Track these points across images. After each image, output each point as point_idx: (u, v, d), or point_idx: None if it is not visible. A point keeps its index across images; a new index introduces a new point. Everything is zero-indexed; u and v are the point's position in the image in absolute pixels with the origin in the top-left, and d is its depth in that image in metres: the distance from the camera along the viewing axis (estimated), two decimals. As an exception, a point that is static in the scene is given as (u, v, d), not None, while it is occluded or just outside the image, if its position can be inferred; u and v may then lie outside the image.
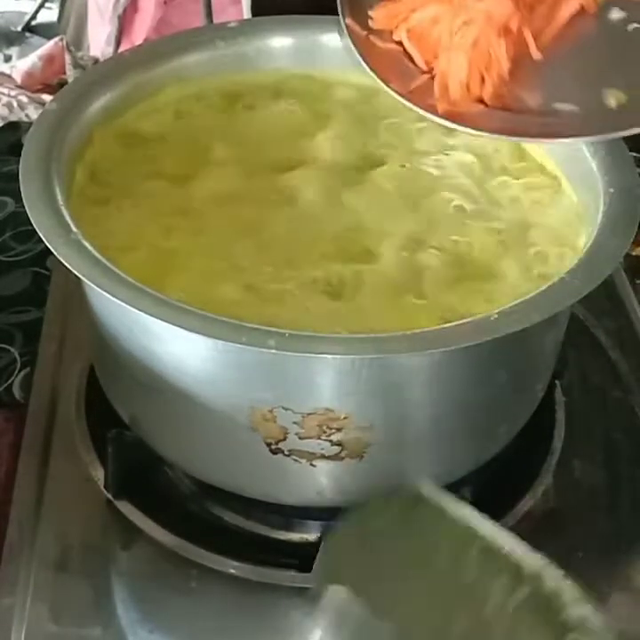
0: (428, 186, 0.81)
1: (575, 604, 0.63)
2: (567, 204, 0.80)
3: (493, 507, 0.80)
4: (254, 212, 0.78)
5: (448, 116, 0.76)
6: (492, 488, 0.81)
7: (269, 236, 0.76)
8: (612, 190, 0.75)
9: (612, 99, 0.73)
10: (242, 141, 0.85)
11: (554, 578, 0.63)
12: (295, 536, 0.79)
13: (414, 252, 0.75)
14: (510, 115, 0.75)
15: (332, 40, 0.89)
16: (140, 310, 0.65)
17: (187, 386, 0.70)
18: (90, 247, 0.68)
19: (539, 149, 0.83)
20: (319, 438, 0.69)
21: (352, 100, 0.89)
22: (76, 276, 0.67)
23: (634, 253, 1.02)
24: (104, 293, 0.65)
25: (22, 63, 1.60)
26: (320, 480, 0.72)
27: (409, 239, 0.76)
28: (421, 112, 0.77)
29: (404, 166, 0.83)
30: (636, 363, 0.93)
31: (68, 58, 1.53)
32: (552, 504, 0.81)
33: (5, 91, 1.46)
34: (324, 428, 0.69)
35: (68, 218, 0.70)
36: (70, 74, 1.52)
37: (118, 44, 1.63)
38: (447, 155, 0.84)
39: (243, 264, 0.74)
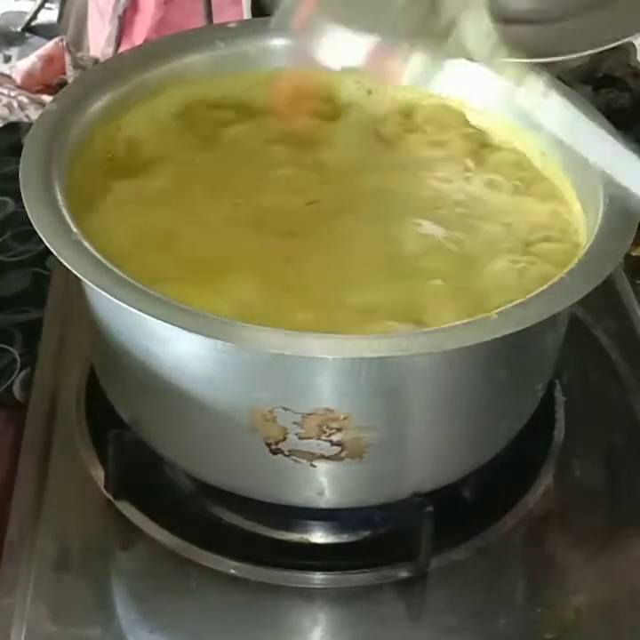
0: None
1: None
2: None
3: (493, 507, 0.80)
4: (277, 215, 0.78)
5: None
6: (492, 488, 0.81)
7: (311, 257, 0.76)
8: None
9: None
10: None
11: None
12: (295, 536, 0.78)
13: None
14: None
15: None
16: (139, 310, 0.65)
17: (187, 386, 0.70)
18: (90, 247, 0.68)
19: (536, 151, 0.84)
20: (319, 438, 0.69)
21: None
22: (75, 276, 0.67)
23: (634, 253, 1.02)
24: (104, 293, 0.65)
25: (22, 63, 1.60)
26: (320, 480, 0.72)
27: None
28: None
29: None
30: (636, 363, 0.93)
31: (67, 58, 1.53)
32: (552, 504, 0.81)
33: (5, 91, 1.46)
34: (324, 428, 0.69)
35: (68, 218, 0.70)
36: (70, 74, 1.52)
37: (118, 44, 1.63)
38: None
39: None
